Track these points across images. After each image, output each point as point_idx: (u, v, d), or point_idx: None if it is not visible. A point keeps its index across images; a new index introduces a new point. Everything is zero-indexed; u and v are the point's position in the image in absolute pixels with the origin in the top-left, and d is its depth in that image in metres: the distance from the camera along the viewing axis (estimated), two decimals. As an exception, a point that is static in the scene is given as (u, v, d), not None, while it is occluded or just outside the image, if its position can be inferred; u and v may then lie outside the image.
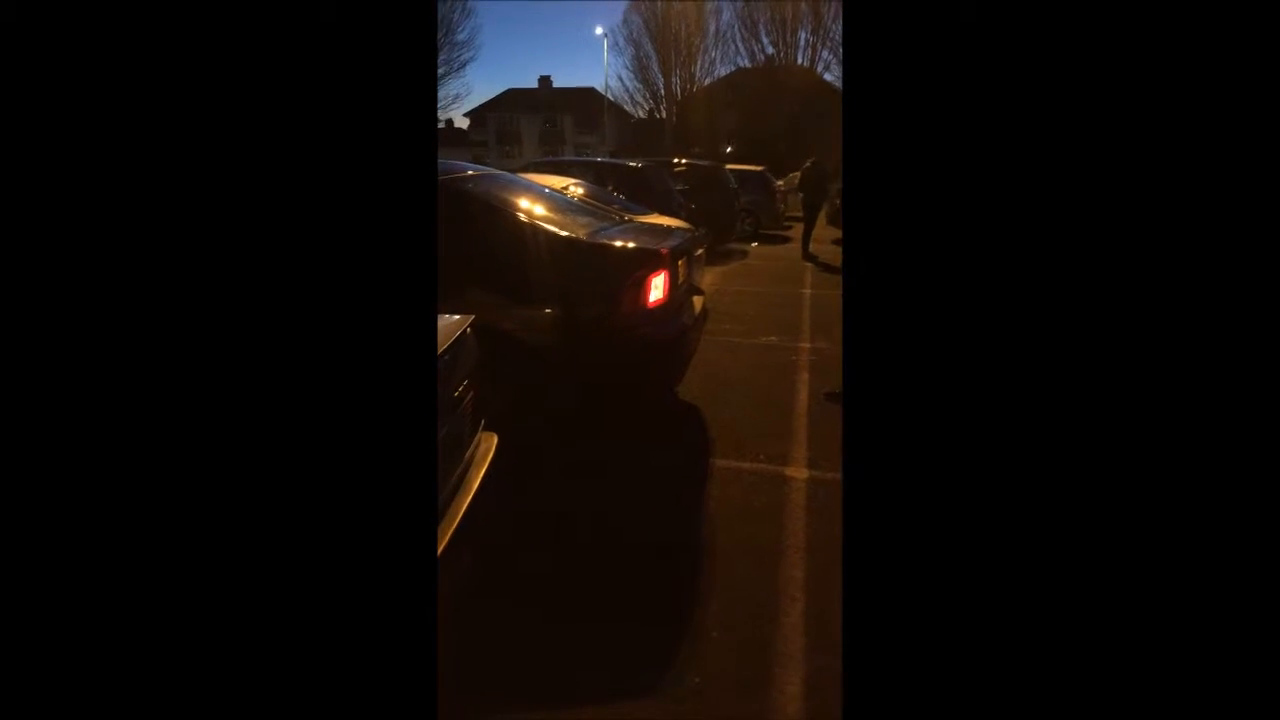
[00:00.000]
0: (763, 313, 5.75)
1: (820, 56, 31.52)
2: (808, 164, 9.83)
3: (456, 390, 1.64)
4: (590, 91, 38.01)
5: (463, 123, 40.17)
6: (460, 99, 36.20)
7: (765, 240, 11.14)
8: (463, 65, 33.27)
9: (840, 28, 29.30)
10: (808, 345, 4.71)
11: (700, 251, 3.86)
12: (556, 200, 3.40)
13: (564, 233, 2.84)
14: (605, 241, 2.88)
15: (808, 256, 9.08)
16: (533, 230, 2.81)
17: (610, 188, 6.81)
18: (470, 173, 3.07)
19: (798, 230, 9.81)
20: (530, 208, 2.95)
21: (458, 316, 1.81)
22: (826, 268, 8.32)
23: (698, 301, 3.42)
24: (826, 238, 10.42)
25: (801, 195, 9.92)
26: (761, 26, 31.90)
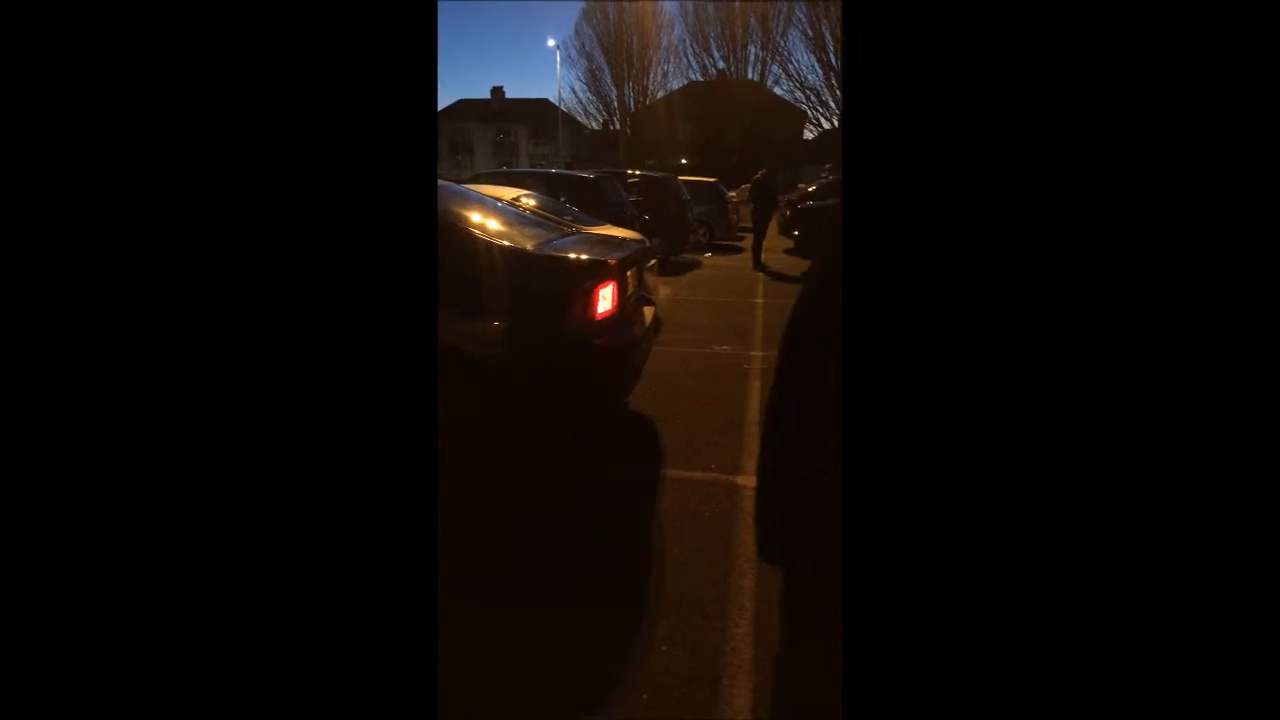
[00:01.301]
0: (716, 322, 5.79)
1: (770, 71, 32.24)
2: (758, 175, 9.98)
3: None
4: (544, 103, 38.02)
5: (414, 133, 39.55)
6: (411, 109, 35.64)
7: (719, 251, 11.26)
8: (413, 75, 32.70)
9: (788, 43, 29.98)
10: (760, 354, 4.76)
11: (652, 262, 3.87)
12: (505, 212, 3.37)
13: (512, 244, 2.81)
14: (553, 253, 2.86)
15: (759, 266, 9.20)
16: (480, 242, 2.77)
17: (563, 199, 6.79)
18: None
19: (751, 241, 9.92)
20: (478, 219, 2.91)
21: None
22: (777, 277, 8.45)
23: (649, 312, 3.42)
24: (778, 248, 10.59)
25: (751, 206, 10.06)
26: (712, 41, 32.50)
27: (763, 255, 9.48)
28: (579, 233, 3.66)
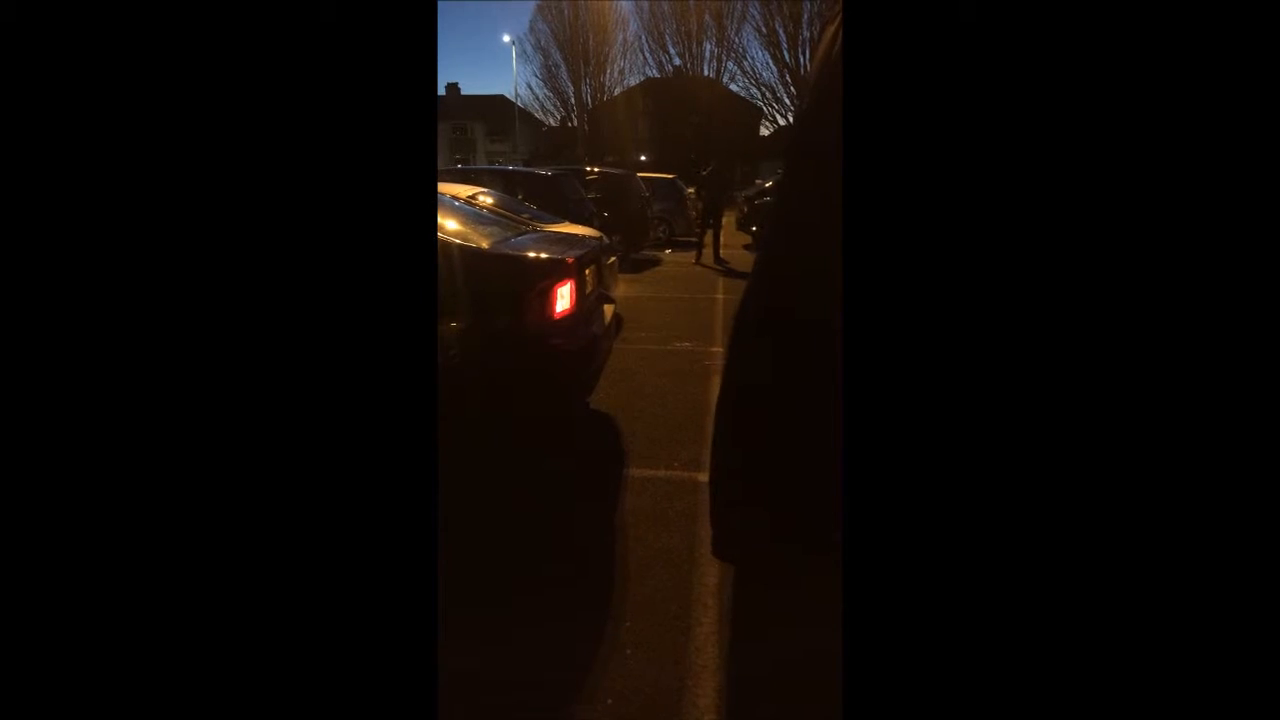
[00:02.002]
0: (676, 319, 5.80)
1: (725, 68, 32.43)
2: (706, 170, 9.99)
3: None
4: (501, 99, 37.57)
5: (367, 130, 38.68)
6: (364, 106, 34.83)
7: (678, 247, 11.27)
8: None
9: (742, 40, 30.19)
10: (721, 350, 4.78)
11: (611, 260, 3.84)
12: (461, 210, 3.30)
13: (467, 243, 2.75)
14: (509, 251, 2.82)
15: (719, 261, 9.25)
16: (436, 241, 2.71)
17: (520, 196, 6.71)
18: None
19: (709, 238, 9.95)
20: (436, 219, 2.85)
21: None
22: (733, 273, 8.49)
23: (608, 310, 3.39)
24: (737, 243, 10.65)
25: (701, 203, 10.06)
26: (668, 38, 32.51)
27: (721, 250, 9.51)
28: (537, 230, 3.61)
